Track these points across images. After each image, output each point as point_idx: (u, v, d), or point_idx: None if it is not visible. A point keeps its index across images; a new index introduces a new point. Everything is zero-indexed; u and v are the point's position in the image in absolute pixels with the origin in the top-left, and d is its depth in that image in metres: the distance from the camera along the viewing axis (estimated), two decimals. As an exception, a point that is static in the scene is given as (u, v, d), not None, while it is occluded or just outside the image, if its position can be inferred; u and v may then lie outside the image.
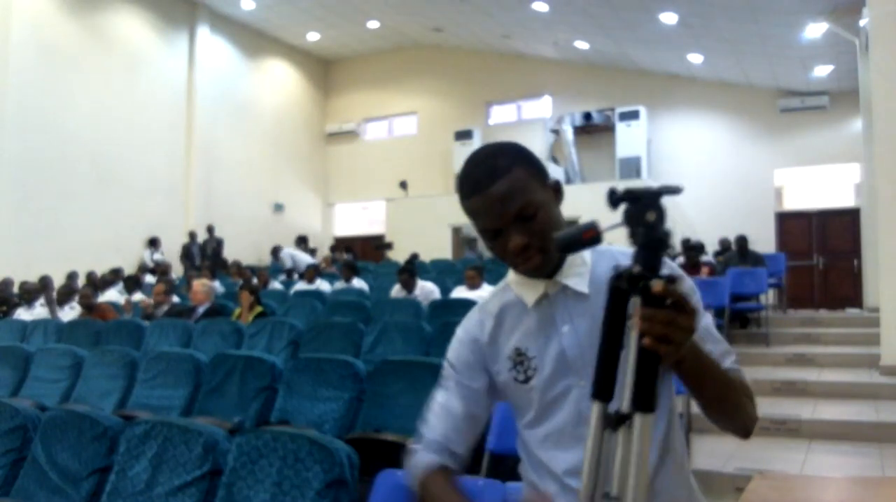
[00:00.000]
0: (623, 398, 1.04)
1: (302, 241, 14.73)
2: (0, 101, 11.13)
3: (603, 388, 1.07)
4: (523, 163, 1.29)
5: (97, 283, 9.94)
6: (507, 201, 1.26)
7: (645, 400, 1.01)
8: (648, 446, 1.01)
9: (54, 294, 8.58)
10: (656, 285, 1.01)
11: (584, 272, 1.32)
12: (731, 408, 1.28)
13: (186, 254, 13.20)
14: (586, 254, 1.33)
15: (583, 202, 14.44)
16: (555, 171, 14.76)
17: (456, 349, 1.44)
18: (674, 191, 1.05)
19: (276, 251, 14.72)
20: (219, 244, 13.64)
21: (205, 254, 13.22)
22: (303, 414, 3.79)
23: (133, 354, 4.73)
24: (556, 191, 1.34)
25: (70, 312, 8.13)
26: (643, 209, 1.04)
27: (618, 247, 1.37)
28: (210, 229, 13.74)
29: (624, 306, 1.06)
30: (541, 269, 1.30)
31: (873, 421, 4.99)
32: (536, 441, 1.41)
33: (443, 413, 1.42)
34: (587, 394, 1.15)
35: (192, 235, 13.47)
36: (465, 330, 1.43)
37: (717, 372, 1.23)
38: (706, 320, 1.30)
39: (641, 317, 1.01)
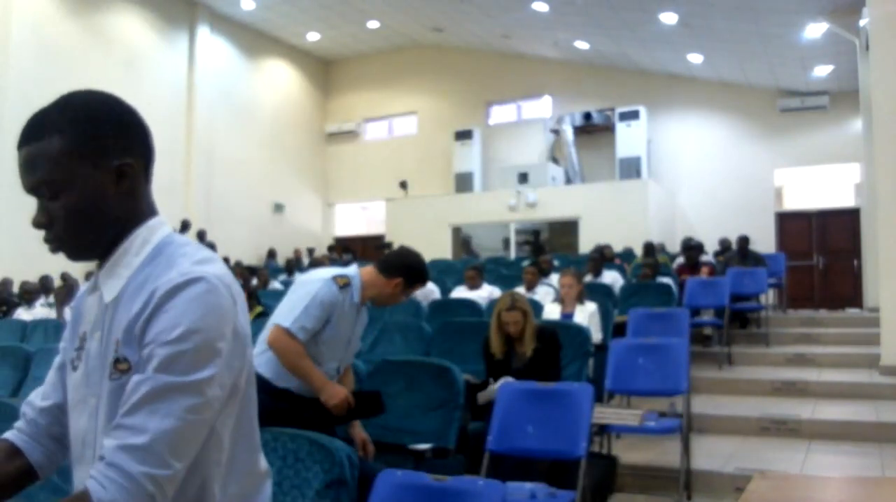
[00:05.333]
0: None
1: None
2: (0, 100, 11.14)
3: None
4: (73, 132, 1.09)
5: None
6: (27, 171, 1.10)
7: None
8: None
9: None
10: None
11: (124, 275, 1.13)
12: None
13: None
14: (147, 247, 1.15)
15: (583, 202, 14.53)
16: (555, 171, 14.78)
17: None
18: None
19: (272, 253, 14.70)
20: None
21: None
22: (303, 414, 3.79)
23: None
24: (121, 174, 1.12)
25: (70, 312, 8.11)
26: None
27: (191, 249, 1.15)
28: (185, 224, 13.16)
29: None
30: (69, 256, 1.15)
31: (873, 421, 4.98)
32: None
33: None
34: (94, 415, 1.11)
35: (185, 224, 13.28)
36: None
37: None
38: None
39: None
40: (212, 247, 13.15)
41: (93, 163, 1.10)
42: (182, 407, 1.02)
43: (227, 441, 1.14)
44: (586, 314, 5.37)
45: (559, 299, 5.66)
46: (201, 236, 13.21)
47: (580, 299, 5.50)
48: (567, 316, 5.40)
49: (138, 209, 1.16)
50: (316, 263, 9.67)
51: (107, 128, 1.12)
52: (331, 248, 15.62)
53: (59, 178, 1.08)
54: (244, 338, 1.14)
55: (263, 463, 1.25)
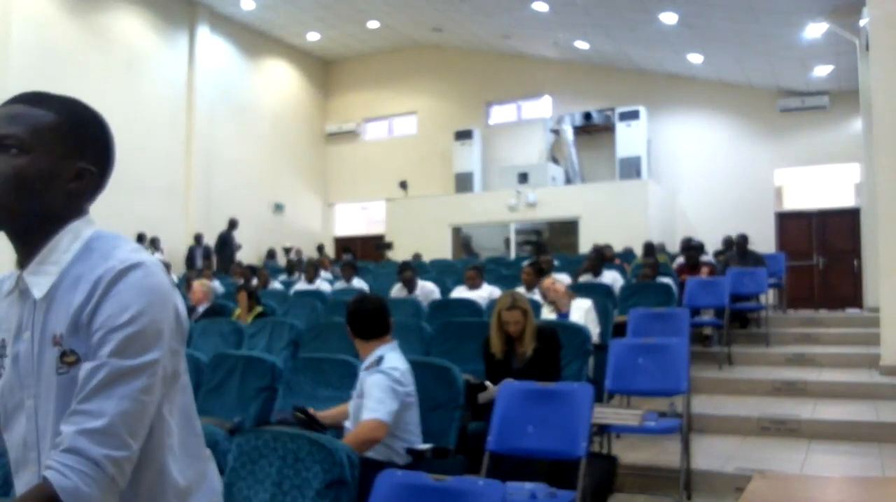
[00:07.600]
0: None
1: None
2: (0, 101, 11.14)
3: None
4: (65, 120, 1.17)
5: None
6: (5, 121, 1.16)
7: None
8: None
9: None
10: None
11: (54, 271, 1.15)
12: None
13: (190, 256, 13.12)
14: (76, 243, 1.17)
15: (583, 202, 14.52)
16: (555, 171, 14.78)
17: None
18: None
19: (272, 253, 14.75)
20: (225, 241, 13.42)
21: (223, 249, 13.13)
22: (303, 414, 3.79)
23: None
24: (78, 176, 1.17)
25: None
26: None
27: (122, 241, 1.19)
28: (232, 223, 13.57)
29: None
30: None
31: (873, 421, 4.98)
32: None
33: None
34: (33, 416, 1.12)
35: (198, 238, 13.39)
36: None
37: None
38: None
39: None
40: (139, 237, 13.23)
41: (65, 152, 1.16)
42: (135, 388, 1.07)
43: (175, 427, 1.20)
44: (582, 311, 5.31)
45: (551, 303, 5.53)
46: (232, 225, 13.57)
47: (571, 296, 5.45)
48: (563, 316, 5.36)
49: (72, 210, 1.19)
50: (314, 265, 9.63)
51: (91, 133, 1.21)
52: (320, 249, 15.49)
53: (31, 142, 1.13)
54: (185, 322, 1.20)
55: (206, 447, 1.32)
